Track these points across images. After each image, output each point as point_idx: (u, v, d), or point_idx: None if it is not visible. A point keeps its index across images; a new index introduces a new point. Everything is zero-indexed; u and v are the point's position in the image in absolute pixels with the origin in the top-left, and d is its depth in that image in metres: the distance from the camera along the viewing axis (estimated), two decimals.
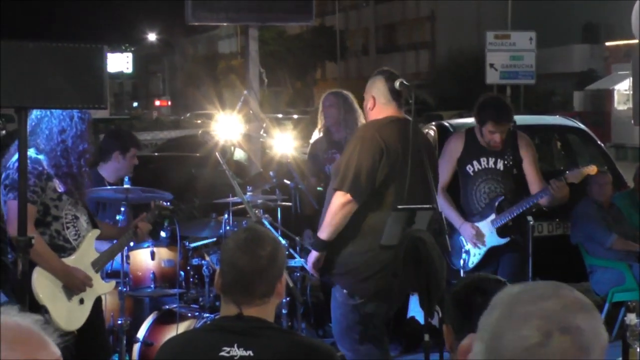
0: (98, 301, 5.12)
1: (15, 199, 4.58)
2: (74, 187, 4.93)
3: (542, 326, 1.53)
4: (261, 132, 8.00)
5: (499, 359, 1.54)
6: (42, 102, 4.48)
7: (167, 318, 6.13)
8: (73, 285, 4.88)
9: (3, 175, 4.82)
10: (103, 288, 5.15)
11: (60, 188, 4.89)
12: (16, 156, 4.76)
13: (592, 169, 6.53)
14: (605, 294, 7.61)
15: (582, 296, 1.61)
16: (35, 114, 4.91)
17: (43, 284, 4.81)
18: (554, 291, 1.59)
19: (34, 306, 4.71)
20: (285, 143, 6.79)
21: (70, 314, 4.89)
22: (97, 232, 5.11)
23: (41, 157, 4.87)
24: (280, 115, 23.73)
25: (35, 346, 1.45)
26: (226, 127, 6.46)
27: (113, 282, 5.34)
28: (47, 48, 4.27)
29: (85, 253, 5.03)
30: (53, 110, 4.84)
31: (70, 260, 4.92)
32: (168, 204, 5.69)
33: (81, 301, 4.96)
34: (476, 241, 6.38)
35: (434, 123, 10.50)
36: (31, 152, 4.83)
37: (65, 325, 4.81)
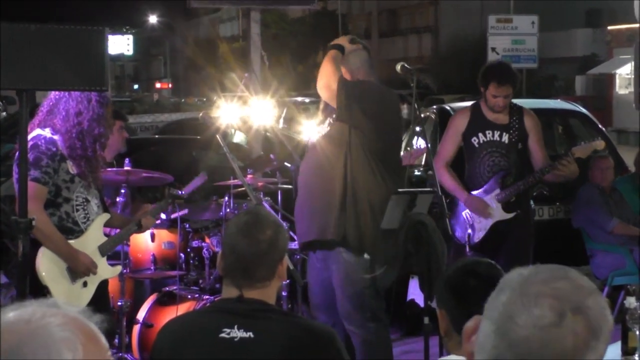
0: (104, 284, 5.12)
1: (28, 178, 4.58)
2: (88, 169, 4.92)
3: (555, 306, 1.54)
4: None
5: (511, 338, 1.54)
6: (43, 85, 4.48)
7: (167, 300, 6.14)
8: (77, 268, 4.88)
9: (17, 154, 4.81)
10: (108, 272, 5.15)
11: (73, 170, 4.89)
12: (32, 134, 4.80)
13: (599, 144, 6.56)
14: (605, 278, 7.62)
15: (589, 280, 1.62)
16: (53, 94, 4.92)
17: (47, 265, 4.81)
18: (563, 273, 1.60)
19: (37, 286, 4.73)
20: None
21: (73, 296, 4.89)
22: (106, 216, 5.10)
23: (56, 137, 4.86)
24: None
25: (104, 347, 1.46)
26: (228, 111, 6.44)
27: (119, 267, 5.34)
28: (48, 30, 4.26)
29: (93, 236, 5.02)
30: (72, 92, 4.83)
31: (77, 243, 4.91)
32: (182, 192, 5.67)
33: (84, 284, 4.96)
34: (482, 212, 6.38)
35: (435, 107, 10.50)
36: (47, 132, 4.84)
37: None
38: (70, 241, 4.89)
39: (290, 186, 6.75)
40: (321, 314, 5.42)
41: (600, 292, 1.61)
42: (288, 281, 5.92)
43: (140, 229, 5.39)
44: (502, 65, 6.75)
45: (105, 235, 5.17)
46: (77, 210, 4.94)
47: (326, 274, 5.38)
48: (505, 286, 1.60)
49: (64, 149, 4.86)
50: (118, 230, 5.31)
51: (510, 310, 1.56)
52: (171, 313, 5.73)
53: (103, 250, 5.07)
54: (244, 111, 6.70)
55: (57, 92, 4.90)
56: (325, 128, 5.41)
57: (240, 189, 6.38)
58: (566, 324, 1.53)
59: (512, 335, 1.54)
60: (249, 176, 6.44)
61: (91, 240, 5.00)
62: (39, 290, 4.73)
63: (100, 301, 5.01)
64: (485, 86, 6.43)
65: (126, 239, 5.52)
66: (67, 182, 4.88)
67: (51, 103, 4.92)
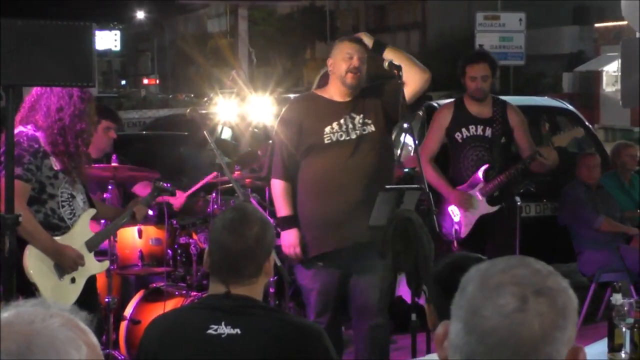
0: (92, 280, 5.11)
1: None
2: (71, 165, 4.90)
3: (516, 292, 1.55)
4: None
5: (480, 331, 1.55)
6: (30, 80, 4.46)
7: (154, 296, 6.13)
8: (64, 263, 4.86)
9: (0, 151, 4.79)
10: (96, 267, 5.14)
11: (56, 166, 4.87)
12: (16, 131, 4.77)
13: (577, 131, 6.66)
14: (592, 275, 7.64)
15: (546, 265, 1.64)
16: (35, 90, 4.90)
17: (34, 262, 4.79)
18: (520, 261, 1.62)
19: (25, 284, 4.72)
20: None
21: (61, 293, 4.88)
22: (92, 211, 5.09)
23: (39, 134, 4.84)
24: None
25: (97, 344, 1.48)
26: (225, 107, 6.43)
27: (106, 262, 5.31)
28: (35, 25, 4.25)
29: (80, 232, 5.00)
30: (54, 88, 4.81)
31: (63, 239, 4.90)
32: (168, 185, 5.66)
33: (73, 280, 4.94)
34: (467, 206, 6.40)
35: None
36: (29, 129, 4.83)
37: None
38: (57, 238, 4.87)
39: None
40: (323, 318, 5.41)
41: (558, 273, 1.62)
42: (275, 278, 5.91)
43: (134, 219, 5.37)
44: (474, 50, 6.96)
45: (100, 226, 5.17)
46: (63, 207, 4.92)
47: (333, 277, 5.38)
48: (467, 283, 1.62)
49: (46, 145, 4.84)
50: (109, 222, 5.30)
51: (474, 304, 1.57)
52: (158, 309, 5.72)
53: (90, 245, 5.05)
54: (242, 108, 6.69)
55: (38, 88, 4.88)
56: (358, 127, 5.38)
57: (227, 185, 6.38)
58: (530, 307, 1.54)
59: (480, 328, 1.55)
60: (237, 172, 6.43)
61: (78, 236, 4.99)
62: (27, 288, 4.73)
63: (88, 297, 5.00)
64: (462, 72, 6.52)
65: (114, 233, 5.49)
66: (51, 178, 4.86)
67: (32, 99, 4.90)
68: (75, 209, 4.98)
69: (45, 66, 4.26)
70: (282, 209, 5.42)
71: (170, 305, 5.80)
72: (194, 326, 2.92)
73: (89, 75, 4.38)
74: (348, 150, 5.33)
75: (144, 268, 6.26)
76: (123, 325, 6.05)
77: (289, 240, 5.37)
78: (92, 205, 5.13)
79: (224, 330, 2.88)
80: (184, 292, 6.05)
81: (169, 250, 6.25)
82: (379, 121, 5.40)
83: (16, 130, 4.79)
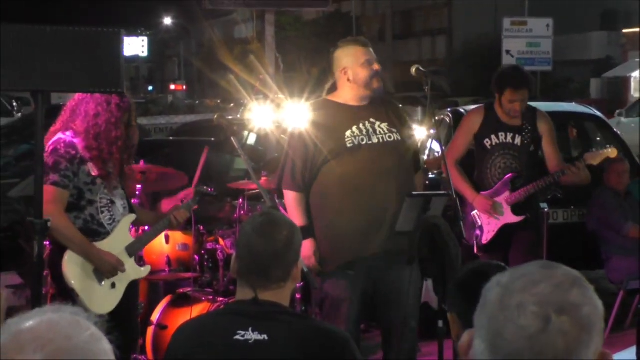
0: (134, 285, 5.12)
1: (46, 183, 4.64)
2: (108, 171, 4.92)
3: (538, 312, 1.53)
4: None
5: (504, 353, 1.54)
6: (58, 86, 4.49)
7: (181, 301, 6.15)
8: (103, 268, 4.88)
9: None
10: (137, 273, 5.14)
11: (93, 172, 4.90)
12: (53, 139, 4.86)
13: (612, 152, 6.53)
14: (620, 282, 7.59)
15: (570, 270, 1.61)
16: (77, 95, 4.96)
17: (73, 268, 4.82)
18: (542, 274, 1.59)
19: (64, 289, 4.78)
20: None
21: (101, 298, 4.90)
22: (132, 217, 5.09)
23: (76, 140, 4.88)
24: None
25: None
26: (260, 114, 6.40)
27: (148, 268, 5.27)
28: (64, 32, 4.27)
29: (120, 238, 5.01)
30: (94, 94, 4.85)
31: (103, 245, 4.91)
32: (211, 190, 5.66)
33: (113, 285, 4.96)
34: (492, 212, 6.36)
35: (449, 109, 10.49)
36: (67, 136, 4.87)
37: (95, 308, 4.80)
38: (97, 243, 4.89)
39: None
40: (354, 327, 5.37)
41: (584, 281, 1.60)
42: (302, 283, 5.92)
43: (171, 225, 5.34)
44: (517, 70, 6.72)
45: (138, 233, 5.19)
46: (102, 212, 4.94)
47: (368, 283, 5.32)
48: (488, 299, 1.60)
49: (83, 150, 4.87)
50: (149, 228, 5.30)
51: (496, 325, 1.56)
52: (185, 315, 5.74)
53: (131, 251, 5.06)
54: (278, 114, 6.66)
55: (80, 94, 4.93)
56: (381, 132, 5.35)
57: (254, 191, 6.39)
58: (553, 327, 1.52)
59: (504, 350, 1.54)
60: (263, 178, 6.44)
61: (118, 241, 5.00)
62: (67, 293, 4.78)
63: (130, 302, 5.03)
64: (500, 92, 6.41)
65: (154, 238, 5.47)
66: (89, 184, 4.89)
67: (74, 104, 4.96)
68: (114, 214, 4.99)
69: (73, 72, 4.28)
70: (296, 219, 5.17)
71: (197, 310, 5.82)
72: (222, 332, 2.92)
73: (117, 81, 4.40)
74: (373, 154, 5.24)
75: (171, 273, 6.29)
76: (150, 330, 6.07)
77: (305, 251, 5.15)
78: (132, 211, 5.14)
79: (252, 336, 2.89)
80: (211, 297, 6.06)
81: (196, 256, 6.26)
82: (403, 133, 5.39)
83: (55, 137, 4.86)
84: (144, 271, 5.22)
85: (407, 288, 5.27)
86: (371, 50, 5.39)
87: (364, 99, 5.36)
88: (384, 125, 5.34)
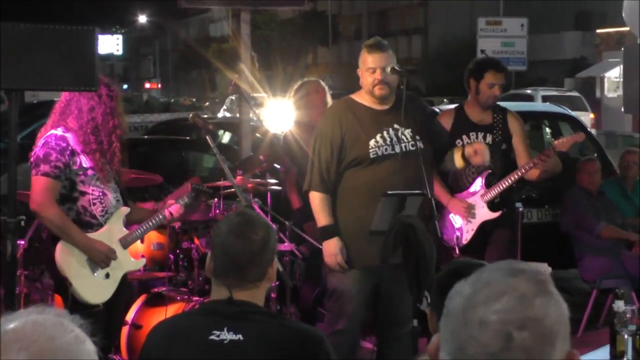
0: (125, 278, 5.16)
1: (37, 174, 4.76)
2: (102, 162, 4.97)
3: (499, 330, 1.53)
4: (251, 116, 7.98)
5: None
6: (33, 84, 4.48)
7: (155, 301, 6.12)
8: (95, 258, 4.93)
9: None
10: (131, 265, 5.21)
11: (86, 163, 4.93)
12: (45, 135, 4.91)
13: (579, 136, 6.66)
14: (594, 281, 7.63)
15: (536, 273, 1.60)
16: (64, 96, 4.99)
17: (66, 257, 4.87)
18: (505, 283, 1.58)
19: (58, 279, 4.85)
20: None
21: (94, 287, 4.95)
22: (126, 209, 5.14)
23: (68, 135, 4.91)
24: None
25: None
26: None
27: (143, 260, 5.36)
28: (38, 30, 4.26)
29: (113, 229, 5.06)
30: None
31: (97, 236, 4.97)
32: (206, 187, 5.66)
33: (107, 275, 5.00)
34: (467, 214, 6.40)
35: None
36: (58, 131, 4.91)
37: (89, 297, 4.89)
38: (90, 234, 4.93)
39: (279, 188, 6.74)
40: (354, 324, 5.40)
41: (548, 283, 1.59)
42: (277, 283, 5.91)
43: (165, 220, 5.35)
44: (494, 58, 6.91)
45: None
46: (94, 204, 4.98)
47: (370, 285, 5.36)
48: (449, 312, 1.60)
49: (77, 144, 4.91)
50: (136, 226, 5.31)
51: (458, 341, 1.56)
52: (160, 314, 5.72)
53: (125, 242, 5.11)
54: (260, 112, 6.62)
55: (67, 94, 4.97)
56: (404, 140, 5.35)
57: (229, 190, 6.37)
58: (515, 344, 1.52)
59: None
60: (239, 177, 6.43)
61: (111, 233, 5.04)
62: (61, 283, 4.86)
63: (122, 294, 5.08)
64: (480, 76, 6.47)
65: (148, 232, 5.46)
66: (81, 175, 4.93)
67: (62, 105, 5.00)
68: (107, 206, 5.03)
69: (48, 70, 4.27)
70: (322, 219, 5.36)
71: (171, 310, 5.80)
72: (197, 332, 2.92)
73: (91, 79, 4.40)
74: (394, 164, 5.29)
75: (146, 273, 6.26)
76: (125, 330, 6.04)
77: (330, 249, 5.32)
78: (126, 204, 5.18)
79: (227, 336, 2.88)
80: (186, 297, 6.04)
81: (170, 255, 6.25)
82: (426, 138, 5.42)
83: (47, 134, 4.90)
84: (139, 263, 5.30)
85: (406, 290, 5.29)
86: (381, 56, 5.39)
87: (382, 102, 5.41)
88: (408, 132, 5.39)
